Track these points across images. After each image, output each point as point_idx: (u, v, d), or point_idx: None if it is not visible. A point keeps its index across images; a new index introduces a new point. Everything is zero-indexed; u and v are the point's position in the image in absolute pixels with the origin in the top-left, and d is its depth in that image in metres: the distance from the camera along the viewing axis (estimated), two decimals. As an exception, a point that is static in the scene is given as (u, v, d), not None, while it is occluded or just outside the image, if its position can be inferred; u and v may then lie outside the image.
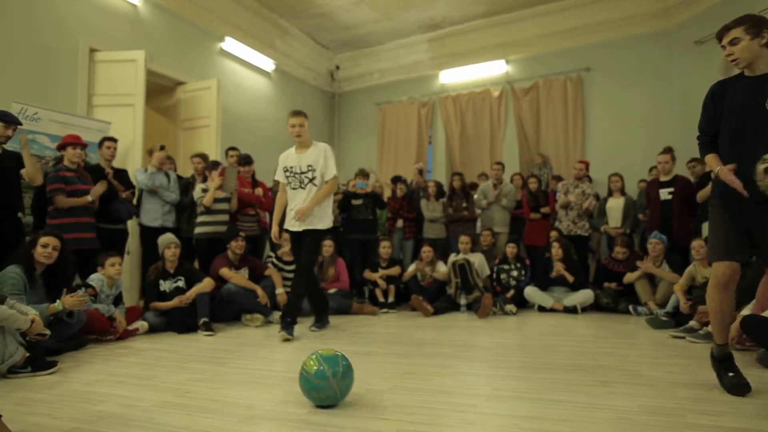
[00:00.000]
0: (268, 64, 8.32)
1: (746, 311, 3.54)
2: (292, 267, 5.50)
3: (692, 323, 4.03)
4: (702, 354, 3.35)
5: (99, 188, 4.48)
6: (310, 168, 4.11)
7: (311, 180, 4.12)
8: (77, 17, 5.64)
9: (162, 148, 5.51)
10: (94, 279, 4.06)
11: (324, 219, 4.15)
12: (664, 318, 4.47)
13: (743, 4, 6.19)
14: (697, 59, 6.85)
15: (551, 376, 2.78)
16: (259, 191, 5.73)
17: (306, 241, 4.11)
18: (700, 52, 6.80)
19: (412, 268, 6.05)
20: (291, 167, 4.15)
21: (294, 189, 4.17)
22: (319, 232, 4.15)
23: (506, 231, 6.71)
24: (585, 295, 5.49)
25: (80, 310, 3.63)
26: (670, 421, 2.01)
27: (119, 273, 4.22)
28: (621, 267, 5.57)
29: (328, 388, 2.15)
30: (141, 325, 4.28)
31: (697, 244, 4.60)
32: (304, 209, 4.04)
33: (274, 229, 4.29)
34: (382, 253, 6.08)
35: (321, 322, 4.47)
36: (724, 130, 2.44)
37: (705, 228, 5.05)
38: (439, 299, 5.66)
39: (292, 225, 4.16)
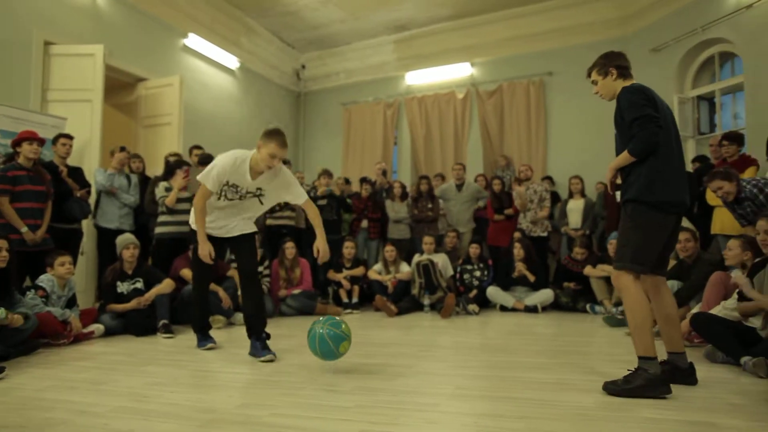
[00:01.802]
0: (232, 61, 8.19)
1: (695, 309, 3.70)
2: (259, 269, 5.42)
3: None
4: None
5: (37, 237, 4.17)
6: (259, 191, 3.40)
7: (255, 195, 3.41)
8: (31, 7, 5.42)
9: (122, 149, 5.37)
10: (44, 280, 3.90)
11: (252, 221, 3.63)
12: (620, 316, 4.61)
13: (696, 12, 6.46)
14: (653, 66, 7.08)
15: (512, 374, 2.83)
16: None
17: (245, 246, 3.51)
18: (656, 59, 7.04)
19: (377, 267, 6.07)
20: (236, 185, 3.32)
21: (230, 199, 3.37)
22: (255, 234, 3.64)
23: (470, 230, 6.82)
24: (545, 295, 5.62)
25: (32, 313, 3.50)
26: (625, 416, 2.08)
27: (70, 272, 4.06)
28: (580, 267, 5.72)
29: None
30: (96, 328, 4.14)
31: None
32: (324, 249, 3.35)
33: (205, 248, 3.37)
34: (345, 253, 6.07)
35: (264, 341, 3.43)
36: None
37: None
38: (402, 299, 5.69)
39: (227, 230, 3.50)
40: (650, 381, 2.32)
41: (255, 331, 3.39)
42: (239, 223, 3.47)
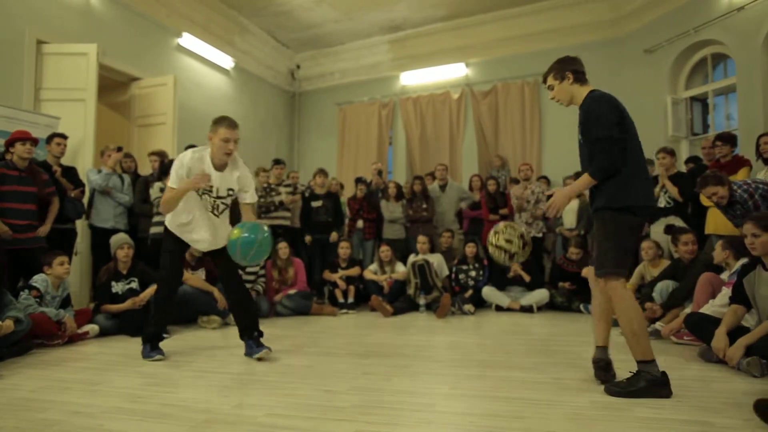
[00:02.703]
0: (227, 61, 8.16)
1: (688, 309, 3.73)
2: (254, 270, 5.42)
3: (641, 321, 4.18)
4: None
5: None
6: (230, 193, 3.35)
7: (228, 207, 3.40)
8: (23, 6, 5.38)
9: (119, 149, 5.35)
10: (38, 280, 3.88)
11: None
12: (614, 316, 4.62)
13: (689, 13, 6.50)
14: (646, 67, 7.14)
15: (507, 374, 2.84)
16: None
17: (225, 255, 3.31)
18: (650, 60, 7.09)
19: (372, 267, 6.07)
20: (211, 186, 3.28)
21: (201, 212, 3.34)
22: None
23: (455, 230, 6.84)
24: (540, 295, 5.63)
25: (26, 314, 3.48)
26: (619, 416, 2.09)
27: (68, 272, 4.06)
28: (575, 267, 5.74)
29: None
30: (91, 328, 4.12)
31: (646, 245, 4.79)
32: None
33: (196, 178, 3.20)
34: (341, 253, 6.07)
35: (257, 339, 3.43)
36: None
37: (653, 229, 5.26)
38: (398, 299, 5.69)
39: (204, 246, 3.42)
40: (652, 383, 2.34)
41: (247, 332, 3.39)
42: (213, 240, 3.38)
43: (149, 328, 3.40)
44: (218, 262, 3.51)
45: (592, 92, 2.59)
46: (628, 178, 2.44)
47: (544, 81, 2.77)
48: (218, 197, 3.34)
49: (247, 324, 3.41)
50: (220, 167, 3.29)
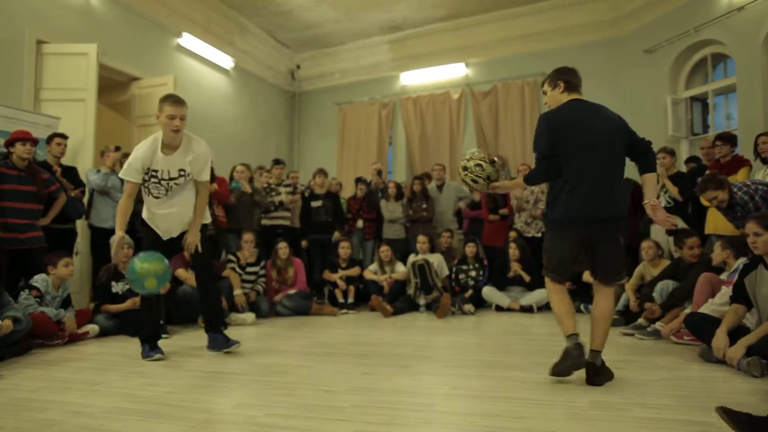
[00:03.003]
0: (227, 61, 8.16)
1: (688, 310, 3.73)
2: (254, 270, 5.42)
3: (641, 321, 4.19)
4: (650, 350, 3.50)
5: None
6: (182, 173, 3.32)
7: (179, 178, 3.36)
8: (23, 6, 5.37)
9: (117, 149, 5.35)
10: (38, 280, 3.88)
11: (204, 214, 3.60)
12: (614, 316, 4.63)
13: (689, 13, 6.50)
14: (646, 67, 7.13)
15: (507, 374, 2.84)
16: (213, 186, 5.63)
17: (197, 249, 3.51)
18: (649, 60, 7.09)
19: (372, 267, 6.07)
20: (155, 171, 3.26)
21: (157, 198, 3.35)
22: (205, 228, 3.63)
23: (454, 230, 6.84)
24: (540, 295, 5.62)
25: (25, 314, 3.48)
26: (618, 416, 2.09)
27: (72, 274, 4.07)
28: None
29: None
30: (91, 328, 4.12)
31: (646, 245, 4.79)
32: (194, 241, 3.45)
33: (116, 246, 3.39)
34: (341, 253, 6.07)
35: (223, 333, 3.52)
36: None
37: (653, 229, 5.26)
38: (398, 299, 5.69)
39: (170, 232, 3.49)
40: (564, 352, 2.62)
41: (213, 326, 3.49)
42: (181, 220, 3.48)
43: (144, 328, 3.45)
44: (193, 254, 3.56)
45: (543, 113, 2.81)
46: (560, 192, 2.67)
47: (542, 85, 3.01)
48: (170, 179, 3.32)
49: (213, 318, 3.52)
50: (170, 149, 3.27)
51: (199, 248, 3.46)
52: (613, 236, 2.68)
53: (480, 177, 2.93)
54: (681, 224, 5.01)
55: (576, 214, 2.63)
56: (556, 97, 2.82)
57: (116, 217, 3.31)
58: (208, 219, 3.69)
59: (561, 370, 2.60)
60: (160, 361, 3.23)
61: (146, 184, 3.31)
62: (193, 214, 3.49)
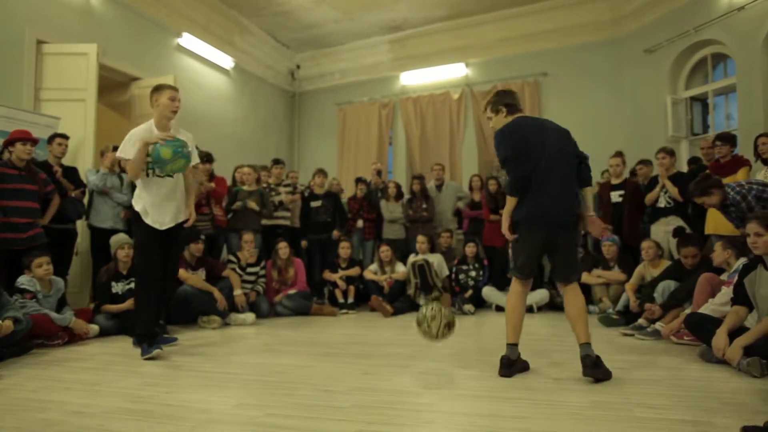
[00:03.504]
0: (227, 61, 8.15)
1: (688, 310, 3.72)
2: (254, 270, 5.42)
3: (641, 321, 4.18)
4: (650, 350, 3.50)
5: None
6: None
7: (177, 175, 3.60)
8: (23, 6, 5.37)
9: (115, 149, 5.33)
10: (25, 282, 3.81)
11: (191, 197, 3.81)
12: (614, 316, 4.63)
13: (689, 13, 6.50)
14: (646, 67, 7.13)
15: (507, 374, 2.83)
16: (211, 185, 5.63)
17: (174, 246, 3.69)
18: (649, 60, 7.08)
19: (372, 267, 6.07)
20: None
21: (159, 176, 3.48)
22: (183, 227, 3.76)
23: (453, 230, 6.84)
24: (540, 295, 5.63)
25: (26, 314, 3.48)
26: (619, 416, 2.09)
27: (48, 273, 3.95)
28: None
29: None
30: (91, 328, 4.12)
31: (646, 245, 4.79)
32: (192, 219, 3.71)
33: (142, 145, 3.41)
34: (341, 253, 6.07)
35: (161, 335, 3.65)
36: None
37: (653, 229, 5.26)
38: (398, 299, 5.69)
39: (165, 222, 3.53)
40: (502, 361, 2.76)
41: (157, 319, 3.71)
42: (173, 210, 3.58)
43: (140, 326, 3.49)
44: (168, 250, 3.63)
45: (500, 129, 2.90)
46: (524, 196, 2.81)
47: (484, 111, 3.12)
48: None
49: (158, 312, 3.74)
50: (166, 131, 3.53)
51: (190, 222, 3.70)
52: (571, 237, 2.86)
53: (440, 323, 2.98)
54: (680, 223, 5.02)
55: (540, 215, 2.77)
56: (501, 121, 2.95)
57: (135, 157, 3.38)
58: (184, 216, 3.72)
59: (504, 373, 2.76)
60: (160, 361, 3.22)
61: (147, 171, 3.46)
62: (184, 199, 3.68)
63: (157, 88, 3.53)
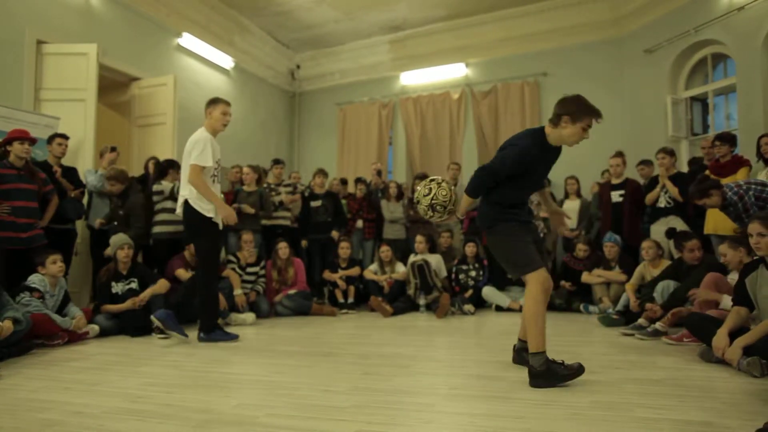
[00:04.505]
0: (227, 61, 8.16)
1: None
2: (254, 270, 5.42)
3: (641, 321, 4.18)
4: (650, 350, 3.50)
5: None
6: (219, 162, 3.98)
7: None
8: (23, 6, 5.37)
9: (113, 149, 5.34)
10: (36, 281, 3.84)
11: None
12: (615, 316, 4.62)
13: (689, 13, 6.50)
14: (646, 67, 7.13)
15: (507, 374, 2.83)
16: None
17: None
18: (649, 60, 7.09)
19: (372, 267, 6.07)
20: (218, 160, 3.93)
21: (213, 184, 3.92)
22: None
23: (458, 230, 6.84)
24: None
25: (26, 314, 3.48)
26: (619, 416, 2.09)
27: (62, 271, 4.02)
28: (581, 265, 5.70)
29: None
30: (91, 328, 4.11)
31: (646, 245, 4.79)
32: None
33: (226, 210, 3.87)
34: (341, 253, 6.06)
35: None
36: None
37: (654, 229, 5.26)
38: (398, 299, 5.69)
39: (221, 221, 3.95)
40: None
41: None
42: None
43: (210, 318, 3.91)
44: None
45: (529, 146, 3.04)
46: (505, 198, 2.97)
47: (559, 119, 3.11)
48: (220, 166, 4.00)
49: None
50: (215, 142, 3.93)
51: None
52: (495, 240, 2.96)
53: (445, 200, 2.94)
54: (681, 226, 5.02)
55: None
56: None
57: (205, 194, 3.77)
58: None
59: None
60: (160, 361, 3.22)
61: (211, 176, 3.85)
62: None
63: (213, 102, 3.92)
